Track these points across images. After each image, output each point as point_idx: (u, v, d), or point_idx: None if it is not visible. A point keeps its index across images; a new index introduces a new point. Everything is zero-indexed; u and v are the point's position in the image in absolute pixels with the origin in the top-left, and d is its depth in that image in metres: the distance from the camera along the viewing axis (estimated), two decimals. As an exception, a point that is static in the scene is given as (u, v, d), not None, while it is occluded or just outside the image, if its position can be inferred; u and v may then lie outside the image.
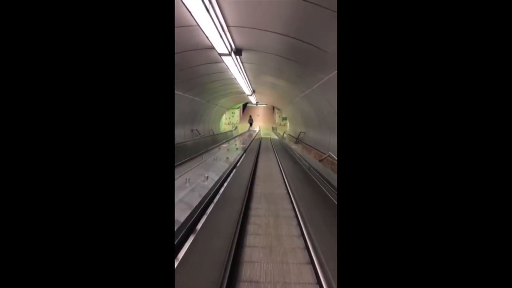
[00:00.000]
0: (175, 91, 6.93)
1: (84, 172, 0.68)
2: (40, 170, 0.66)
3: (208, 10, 2.85)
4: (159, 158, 0.72)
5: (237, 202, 3.01)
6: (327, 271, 1.81)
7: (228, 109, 18.08)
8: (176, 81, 6.33)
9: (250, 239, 2.51)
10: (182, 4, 2.68)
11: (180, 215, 1.74)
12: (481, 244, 0.63)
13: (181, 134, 9.52)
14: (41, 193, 0.66)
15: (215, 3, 3.03)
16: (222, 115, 17.60)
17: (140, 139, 0.71)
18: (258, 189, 4.33)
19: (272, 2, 3.05)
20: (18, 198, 0.65)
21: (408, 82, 0.67)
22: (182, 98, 7.89)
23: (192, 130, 10.93)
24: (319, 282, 1.82)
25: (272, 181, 4.97)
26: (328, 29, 3.30)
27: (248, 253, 2.25)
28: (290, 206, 3.48)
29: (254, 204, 3.54)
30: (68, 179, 0.67)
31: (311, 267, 2.05)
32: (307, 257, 2.19)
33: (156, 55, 0.72)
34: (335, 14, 2.80)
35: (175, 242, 1.47)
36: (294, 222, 2.93)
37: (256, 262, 2.12)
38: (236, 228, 2.39)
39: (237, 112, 21.05)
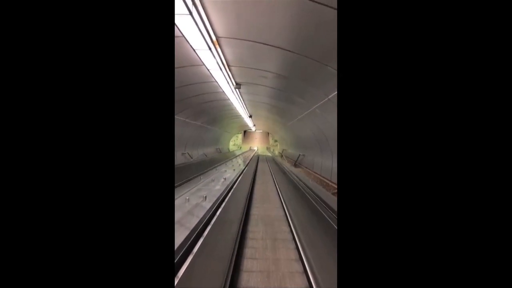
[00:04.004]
0: (216, 128, 13.64)
1: (87, 177, 0.69)
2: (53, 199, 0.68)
3: (237, 97, 9.36)
4: (160, 168, 0.75)
5: (251, 172, 9.61)
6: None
7: (233, 134, 24.91)
8: (219, 123, 13.06)
9: (257, 185, 9.03)
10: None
11: (233, 175, 8.24)
12: (482, 273, 0.61)
13: (211, 151, 16.21)
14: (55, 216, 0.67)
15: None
16: (231, 138, 24.43)
17: (143, 145, 0.74)
18: (259, 168, 10.99)
19: (265, 104, 9.55)
20: (22, 205, 0.65)
21: (402, 108, 0.70)
22: (216, 131, 14.64)
23: (216, 149, 17.58)
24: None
25: (265, 170, 11.71)
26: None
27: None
28: (269, 171, 10.07)
29: (258, 171, 10.14)
30: (68, 167, 0.68)
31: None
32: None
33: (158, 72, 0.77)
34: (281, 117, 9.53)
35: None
36: (270, 175, 9.48)
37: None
38: (256, 170, 8.94)
39: (240, 136, 27.71)
